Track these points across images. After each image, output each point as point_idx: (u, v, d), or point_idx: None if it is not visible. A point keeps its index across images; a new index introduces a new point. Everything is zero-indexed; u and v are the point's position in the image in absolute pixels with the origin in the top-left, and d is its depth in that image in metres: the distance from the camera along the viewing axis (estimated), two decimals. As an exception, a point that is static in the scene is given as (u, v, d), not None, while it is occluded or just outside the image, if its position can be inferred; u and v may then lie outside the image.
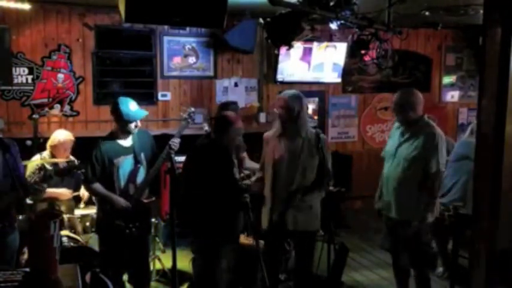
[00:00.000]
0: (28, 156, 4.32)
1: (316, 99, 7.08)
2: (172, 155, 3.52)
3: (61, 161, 4.27)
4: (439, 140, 3.58)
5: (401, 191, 3.66)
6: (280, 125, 3.64)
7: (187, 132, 3.91)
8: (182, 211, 3.49)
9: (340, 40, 6.46)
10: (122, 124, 3.68)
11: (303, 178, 3.55)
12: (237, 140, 3.61)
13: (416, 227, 3.62)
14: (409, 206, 3.63)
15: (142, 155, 3.76)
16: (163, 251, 5.04)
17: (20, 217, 3.72)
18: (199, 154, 3.59)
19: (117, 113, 3.66)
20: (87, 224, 4.31)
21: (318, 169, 3.60)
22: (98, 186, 3.67)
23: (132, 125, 3.68)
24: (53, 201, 4.23)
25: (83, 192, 4.48)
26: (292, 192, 3.55)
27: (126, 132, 3.71)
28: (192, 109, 3.98)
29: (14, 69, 5.39)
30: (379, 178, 3.99)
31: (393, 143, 3.79)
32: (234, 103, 4.83)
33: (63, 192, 4.29)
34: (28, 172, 4.14)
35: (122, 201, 3.64)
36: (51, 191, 4.18)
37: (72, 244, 3.94)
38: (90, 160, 3.64)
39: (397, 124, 3.87)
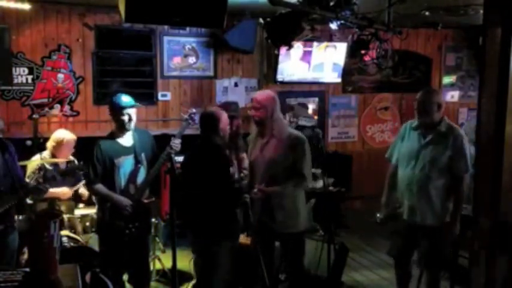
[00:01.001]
0: (28, 156, 4.32)
1: (316, 99, 7.09)
2: (173, 155, 3.52)
3: (61, 161, 4.28)
4: (466, 141, 3.51)
5: (428, 195, 3.53)
6: (255, 126, 3.64)
7: (187, 132, 3.91)
8: (182, 212, 3.49)
9: (340, 40, 6.46)
10: (116, 117, 3.67)
11: (273, 178, 3.51)
12: (227, 133, 3.56)
13: (448, 233, 3.51)
14: (436, 211, 3.52)
15: (142, 155, 3.76)
16: (163, 251, 5.04)
17: (20, 217, 3.72)
18: (194, 154, 3.58)
19: (110, 105, 3.68)
20: (87, 224, 4.31)
21: (291, 170, 3.53)
22: (100, 186, 3.67)
23: (125, 118, 3.66)
24: (53, 200, 4.23)
25: (83, 191, 4.48)
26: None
27: (123, 129, 3.70)
28: (194, 110, 3.99)
29: (14, 69, 5.39)
30: (387, 183, 3.83)
31: (412, 145, 3.63)
32: (235, 103, 4.83)
33: (64, 192, 4.29)
34: (28, 172, 4.14)
35: (124, 200, 3.63)
36: (52, 191, 4.17)
37: (72, 244, 3.94)
38: (91, 161, 3.64)
39: (411, 125, 3.71)
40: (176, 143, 3.70)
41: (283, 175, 3.52)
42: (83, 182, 4.20)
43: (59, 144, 4.30)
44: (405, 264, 3.84)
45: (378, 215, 3.91)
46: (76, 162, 4.39)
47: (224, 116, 3.53)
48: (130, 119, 3.67)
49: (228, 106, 4.46)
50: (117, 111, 3.66)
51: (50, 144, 4.35)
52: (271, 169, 3.52)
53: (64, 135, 4.35)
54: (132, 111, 3.69)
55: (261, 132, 3.61)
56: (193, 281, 4.17)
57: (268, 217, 3.57)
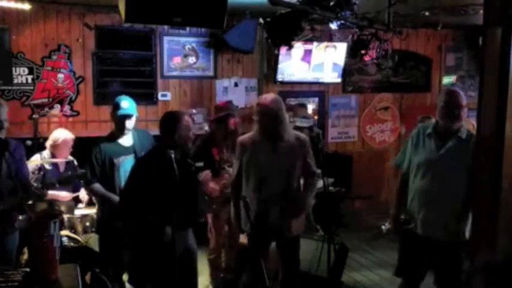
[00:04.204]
0: (28, 156, 4.32)
1: (316, 99, 7.08)
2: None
3: (61, 161, 4.28)
4: None
5: (448, 208, 3.24)
6: (261, 130, 3.47)
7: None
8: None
9: (340, 40, 6.45)
10: (114, 120, 3.71)
11: (289, 181, 3.47)
12: (190, 137, 3.37)
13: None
14: (457, 225, 3.24)
15: (143, 154, 3.76)
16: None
17: (20, 217, 3.72)
18: (148, 160, 3.37)
19: (113, 108, 3.71)
20: (87, 224, 4.30)
21: (303, 170, 3.53)
22: (97, 186, 3.68)
23: (123, 123, 3.69)
24: (53, 201, 4.23)
25: (83, 195, 4.48)
26: (282, 196, 3.42)
27: (123, 130, 3.72)
28: (194, 111, 3.99)
29: (14, 69, 5.39)
30: (397, 194, 3.54)
31: (429, 153, 3.32)
32: (229, 101, 4.82)
33: (63, 195, 4.29)
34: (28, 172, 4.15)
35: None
36: (52, 193, 4.17)
37: (72, 244, 3.94)
38: (89, 161, 3.65)
39: (425, 130, 3.41)
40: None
41: (297, 178, 3.51)
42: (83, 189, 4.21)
43: (57, 143, 4.30)
44: (417, 283, 3.49)
45: (384, 226, 3.72)
46: (75, 162, 4.39)
47: (185, 116, 3.33)
48: (126, 125, 3.71)
49: (224, 105, 4.47)
50: (115, 115, 3.68)
51: (48, 143, 4.35)
52: (289, 174, 3.46)
53: (61, 134, 4.34)
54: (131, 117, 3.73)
55: (268, 136, 3.46)
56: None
57: (286, 224, 3.49)
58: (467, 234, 3.25)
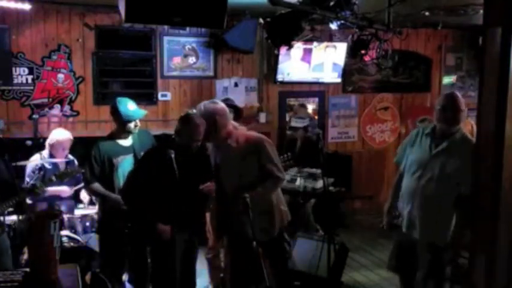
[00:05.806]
0: (28, 156, 4.33)
1: (316, 99, 7.08)
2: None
3: (61, 160, 4.28)
4: None
5: (431, 210, 3.25)
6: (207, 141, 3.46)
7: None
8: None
9: (340, 40, 6.45)
10: (122, 124, 3.71)
11: (240, 185, 3.31)
12: (197, 139, 3.31)
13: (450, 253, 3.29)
14: (439, 228, 3.25)
15: (142, 154, 3.77)
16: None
17: (20, 217, 3.73)
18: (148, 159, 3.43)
19: (116, 113, 3.69)
20: (87, 224, 4.31)
21: (261, 174, 3.36)
22: (97, 186, 3.69)
23: (132, 125, 3.71)
24: (53, 199, 4.24)
25: (84, 195, 4.48)
26: (232, 196, 3.29)
27: (126, 132, 3.74)
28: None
29: (14, 69, 5.38)
30: (392, 189, 3.61)
31: (421, 152, 3.35)
32: (227, 99, 4.81)
33: (64, 190, 4.29)
34: (28, 172, 4.15)
35: (120, 199, 3.64)
36: (52, 189, 4.18)
37: (72, 244, 3.95)
38: (89, 160, 3.66)
39: (424, 130, 3.43)
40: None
41: (249, 178, 3.35)
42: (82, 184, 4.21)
43: (52, 143, 4.30)
44: (411, 279, 3.50)
45: (382, 224, 3.75)
46: (76, 162, 4.39)
47: (197, 119, 3.33)
48: (136, 125, 3.72)
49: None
50: (123, 121, 3.68)
51: (47, 143, 4.36)
52: (237, 178, 3.36)
53: (58, 135, 4.33)
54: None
55: (215, 145, 3.47)
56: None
57: (250, 227, 3.41)
58: (447, 237, 3.26)
